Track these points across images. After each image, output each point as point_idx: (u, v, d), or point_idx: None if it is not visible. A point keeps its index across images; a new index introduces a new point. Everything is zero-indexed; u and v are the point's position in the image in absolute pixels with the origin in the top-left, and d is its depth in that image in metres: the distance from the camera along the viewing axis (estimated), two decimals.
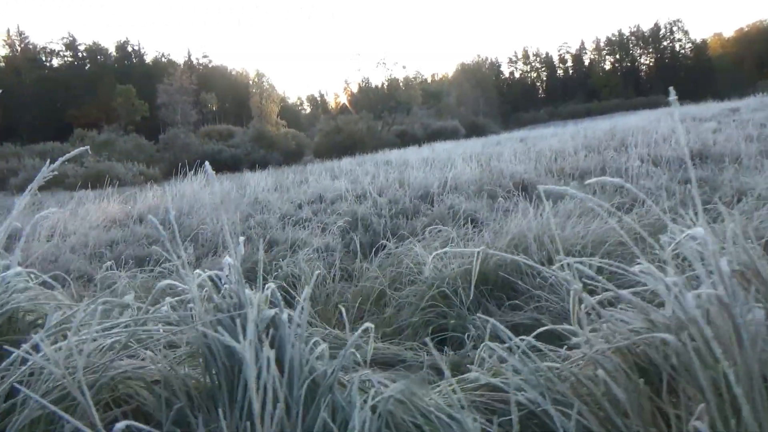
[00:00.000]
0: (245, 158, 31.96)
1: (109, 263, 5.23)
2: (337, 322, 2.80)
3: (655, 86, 71.02)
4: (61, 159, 1.85)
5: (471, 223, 4.60)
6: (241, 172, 26.24)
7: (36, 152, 29.79)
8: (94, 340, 1.38)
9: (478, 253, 2.04)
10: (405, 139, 38.09)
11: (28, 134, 48.05)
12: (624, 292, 1.32)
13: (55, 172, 1.94)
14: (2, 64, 57.97)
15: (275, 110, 37.77)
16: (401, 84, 49.94)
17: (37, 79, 57.37)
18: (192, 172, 15.60)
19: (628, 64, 78.90)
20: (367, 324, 1.46)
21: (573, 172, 7.26)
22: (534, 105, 74.04)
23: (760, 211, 3.56)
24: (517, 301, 2.80)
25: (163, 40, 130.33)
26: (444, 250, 2.25)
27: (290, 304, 2.96)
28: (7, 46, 58.39)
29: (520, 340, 1.43)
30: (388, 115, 40.79)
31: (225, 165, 31.45)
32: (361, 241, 5.09)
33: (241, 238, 1.70)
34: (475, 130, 45.54)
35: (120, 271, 4.63)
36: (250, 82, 45.26)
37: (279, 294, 1.43)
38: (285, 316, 1.32)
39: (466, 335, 2.46)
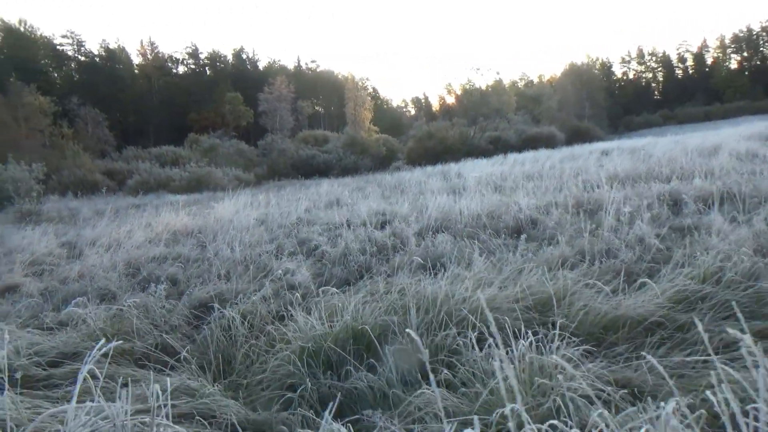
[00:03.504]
0: (337, 164, 33.12)
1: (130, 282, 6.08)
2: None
3: None
4: None
5: (431, 271, 4.77)
6: (328, 178, 27.57)
7: (153, 155, 32.90)
8: None
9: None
10: (498, 146, 37.32)
11: (155, 136, 53.51)
12: None
13: None
14: (136, 71, 64.76)
15: (368, 116, 38.89)
16: (506, 87, 49.13)
17: (165, 85, 63.59)
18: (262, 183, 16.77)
19: (758, 63, 71.57)
20: None
21: (587, 208, 7.17)
22: (648, 107, 69.60)
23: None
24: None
25: (275, 47, 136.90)
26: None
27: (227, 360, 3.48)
28: (140, 56, 65.13)
29: None
30: (483, 121, 40.43)
31: (317, 170, 32.80)
32: (337, 276, 5.54)
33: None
34: (577, 136, 43.32)
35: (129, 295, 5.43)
36: (357, 85, 47.04)
37: None
38: None
39: None
